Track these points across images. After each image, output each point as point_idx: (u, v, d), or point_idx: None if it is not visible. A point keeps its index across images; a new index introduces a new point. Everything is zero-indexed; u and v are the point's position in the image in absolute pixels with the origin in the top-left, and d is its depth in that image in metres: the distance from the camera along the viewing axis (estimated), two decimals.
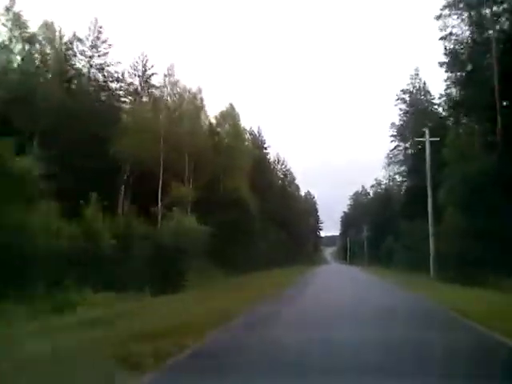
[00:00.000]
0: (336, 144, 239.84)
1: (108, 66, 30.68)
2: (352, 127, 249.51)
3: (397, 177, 79.12)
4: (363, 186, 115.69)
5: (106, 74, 31.44)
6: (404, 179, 75.34)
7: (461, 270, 25.73)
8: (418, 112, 56.62)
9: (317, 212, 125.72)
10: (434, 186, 37.85)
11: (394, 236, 61.29)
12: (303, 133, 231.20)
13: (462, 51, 38.98)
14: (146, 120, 28.97)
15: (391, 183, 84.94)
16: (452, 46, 39.28)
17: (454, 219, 28.64)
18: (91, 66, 30.31)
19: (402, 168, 71.28)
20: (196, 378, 5.65)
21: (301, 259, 78.06)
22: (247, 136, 49.46)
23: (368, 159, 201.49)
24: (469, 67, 39.20)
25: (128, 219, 20.45)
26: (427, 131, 30.63)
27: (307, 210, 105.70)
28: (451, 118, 46.49)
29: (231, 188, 35.68)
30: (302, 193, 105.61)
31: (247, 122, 54.06)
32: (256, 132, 53.43)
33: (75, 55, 30.40)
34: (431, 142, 40.95)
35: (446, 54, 40.00)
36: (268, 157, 56.88)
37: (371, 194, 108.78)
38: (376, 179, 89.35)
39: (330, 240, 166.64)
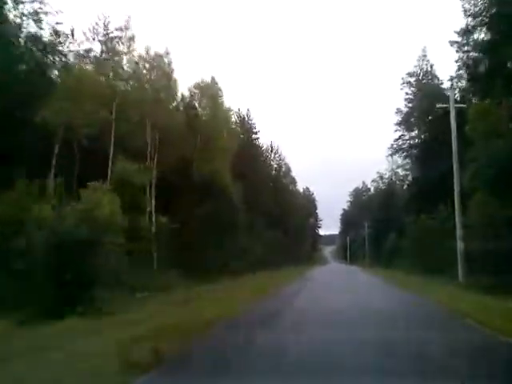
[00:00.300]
0: (336, 142, 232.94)
1: (45, 14, 23.87)
2: (352, 125, 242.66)
3: (399, 171, 73.94)
4: (364, 182, 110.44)
5: (50, 31, 24.66)
6: (407, 173, 70.17)
7: (495, 273, 19.27)
8: (426, 94, 49.73)
9: (316, 209, 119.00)
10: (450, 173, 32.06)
11: (397, 233, 54.79)
12: (303, 130, 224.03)
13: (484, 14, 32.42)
14: (90, 81, 22.31)
15: (394, 178, 79.58)
16: (472, 8, 32.71)
17: (483, 209, 22.08)
18: (23, 14, 23.58)
19: (406, 161, 65.89)
20: None
21: (298, 259, 71.72)
22: (234, 119, 42.82)
23: (369, 157, 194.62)
24: (489, 35, 32.80)
25: (18, 198, 13.58)
26: (452, 94, 23.64)
27: (305, 206, 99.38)
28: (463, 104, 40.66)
29: (208, 172, 28.97)
30: (301, 189, 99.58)
31: (240, 111, 47.12)
32: (245, 115, 46.60)
33: (5, 2, 23.75)
34: (444, 126, 34.30)
35: (464, 16, 33.46)
36: (258, 143, 49.71)
37: (372, 190, 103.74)
38: (378, 173, 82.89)
39: (330, 239, 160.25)
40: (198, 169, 29.20)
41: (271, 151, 57.97)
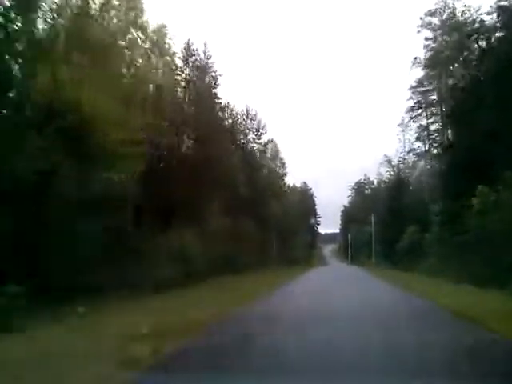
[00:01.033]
0: (336, 140, 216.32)
1: None
2: (353, 124, 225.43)
3: (409, 157, 60.01)
4: (366, 175, 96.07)
5: None
6: (416, 159, 58.00)
7: None
8: (455, 29, 33.99)
9: (315, 205, 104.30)
10: None
11: (420, 226, 38.85)
12: (303, 127, 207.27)
13: None
14: None
15: (402, 165, 66.15)
16: None
17: None
18: None
19: (418, 145, 53.01)
20: None
21: (290, 259, 56.86)
22: (177, 49, 27.00)
23: (370, 156, 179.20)
24: None
25: None
26: None
27: (302, 201, 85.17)
28: None
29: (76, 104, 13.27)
30: (298, 183, 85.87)
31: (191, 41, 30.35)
32: (201, 51, 29.73)
33: None
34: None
35: None
36: (216, 92, 30.60)
37: (375, 183, 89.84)
38: (385, 156, 68.48)
39: (330, 237, 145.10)
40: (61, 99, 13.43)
41: (247, 116, 41.58)
